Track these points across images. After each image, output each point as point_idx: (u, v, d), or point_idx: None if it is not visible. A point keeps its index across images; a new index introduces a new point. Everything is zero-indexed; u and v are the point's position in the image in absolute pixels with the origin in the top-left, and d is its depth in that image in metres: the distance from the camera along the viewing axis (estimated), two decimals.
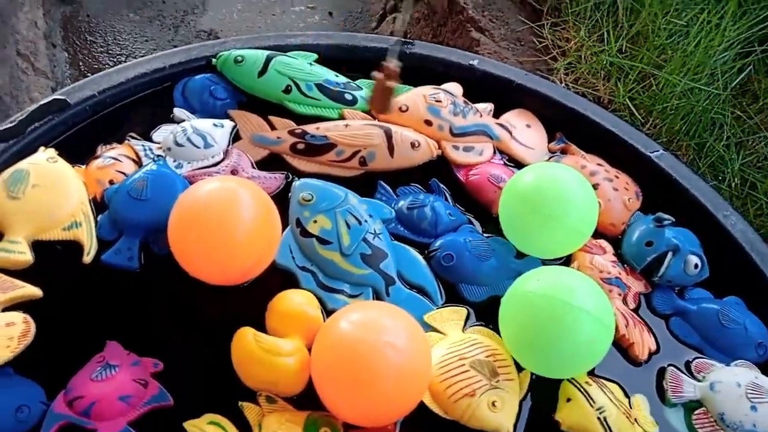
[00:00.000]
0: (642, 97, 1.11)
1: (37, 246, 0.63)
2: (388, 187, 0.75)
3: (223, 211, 0.58)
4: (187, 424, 0.53)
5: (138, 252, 0.64)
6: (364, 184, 0.74)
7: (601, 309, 0.56)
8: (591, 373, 0.61)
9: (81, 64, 1.56)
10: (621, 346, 0.64)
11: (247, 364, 0.56)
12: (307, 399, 0.56)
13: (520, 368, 0.60)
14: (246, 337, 0.56)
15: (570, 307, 0.55)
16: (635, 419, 0.57)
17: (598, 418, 0.56)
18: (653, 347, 0.64)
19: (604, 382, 0.60)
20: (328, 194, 0.69)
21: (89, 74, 1.56)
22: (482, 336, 0.62)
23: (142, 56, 1.62)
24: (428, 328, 0.63)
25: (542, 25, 1.30)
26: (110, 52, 1.62)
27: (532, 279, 0.59)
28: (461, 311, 0.65)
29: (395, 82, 0.67)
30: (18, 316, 0.56)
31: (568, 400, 0.58)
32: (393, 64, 0.67)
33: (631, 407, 0.59)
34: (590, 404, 0.57)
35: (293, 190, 0.70)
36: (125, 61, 1.61)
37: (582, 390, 0.58)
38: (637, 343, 0.63)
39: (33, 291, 0.59)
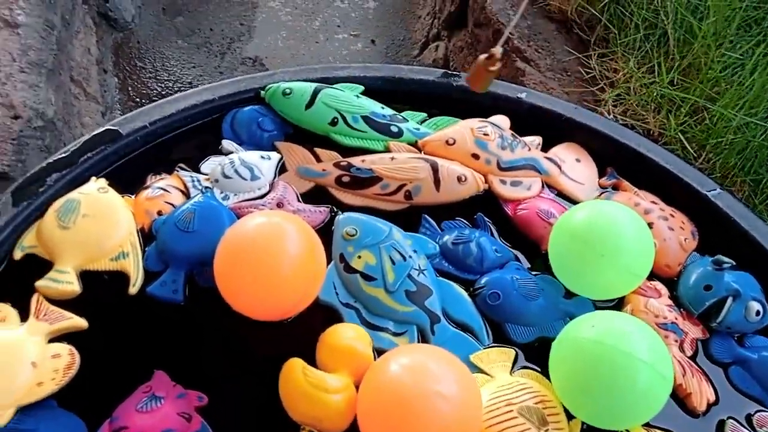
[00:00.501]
0: (694, 131, 1.08)
1: (84, 276, 0.63)
2: (432, 222, 0.73)
3: (268, 247, 0.58)
4: None
5: (183, 285, 0.64)
6: (409, 218, 0.73)
7: (659, 359, 0.54)
8: (646, 424, 0.58)
9: (130, 89, 1.60)
10: (678, 396, 0.61)
11: (293, 397, 0.55)
12: None
13: (570, 416, 0.57)
14: (295, 370, 0.55)
15: (627, 356, 0.53)
16: None
17: None
18: (712, 398, 0.61)
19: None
20: (372, 229, 0.69)
21: (137, 99, 1.61)
22: (531, 380, 0.60)
23: (189, 82, 1.68)
24: (474, 368, 0.61)
25: (589, 55, 1.28)
26: (158, 77, 1.66)
27: (587, 324, 0.57)
28: (509, 352, 0.63)
29: (496, 66, 0.66)
30: (64, 348, 0.57)
31: None
32: (498, 50, 0.65)
33: None
34: None
35: (337, 225, 0.70)
36: (173, 87, 1.67)
37: None
38: (695, 393, 0.61)
39: (79, 322, 0.59)
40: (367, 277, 0.65)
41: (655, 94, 1.14)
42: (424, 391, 0.50)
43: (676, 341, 0.64)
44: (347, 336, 0.59)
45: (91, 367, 0.58)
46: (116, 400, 0.55)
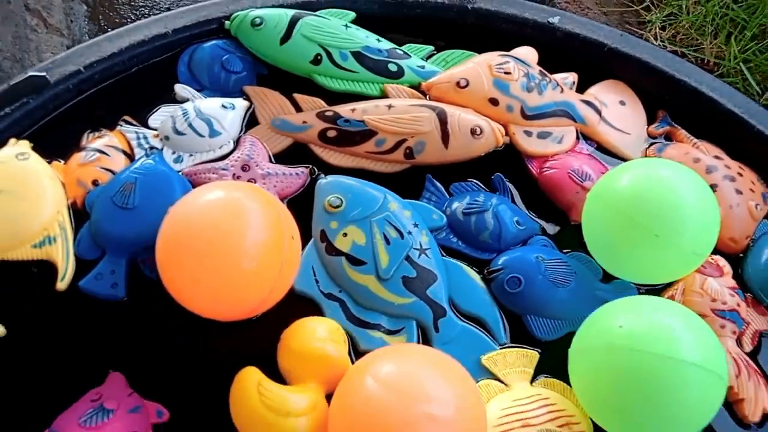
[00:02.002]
0: (759, 59, 0.96)
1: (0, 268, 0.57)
2: (438, 185, 0.66)
3: (224, 231, 0.50)
4: None
5: (125, 277, 0.58)
6: (409, 181, 0.66)
7: (711, 355, 0.48)
8: None
9: (101, 17, 1.50)
10: (728, 399, 0.55)
11: (247, 421, 0.49)
12: None
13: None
14: (249, 386, 0.49)
15: (671, 361, 0.46)
16: None
17: None
18: None
19: None
20: (362, 198, 0.62)
21: (110, 29, 1.50)
22: (555, 393, 0.54)
23: (167, 9, 1.55)
24: (486, 374, 0.55)
25: None
26: (133, 4, 1.57)
27: (612, 323, 0.50)
28: (532, 356, 0.56)
29: None
30: None
31: None
32: None
33: None
34: None
35: (317, 192, 0.63)
36: (149, 14, 1.55)
37: None
38: (749, 399, 0.55)
39: None
40: (354, 261, 0.59)
41: (712, 13, 1.02)
42: (409, 415, 0.44)
43: (734, 333, 0.58)
44: (316, 336, 0.53)
45: (12, 380, 0.53)
46: (41, 418, 0.50)
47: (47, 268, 0.57)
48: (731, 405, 0.56)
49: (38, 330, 0.57)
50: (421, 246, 0.59)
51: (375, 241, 0.59)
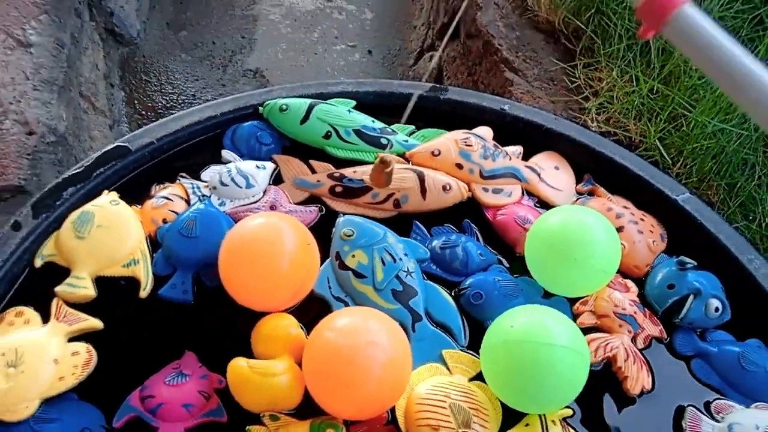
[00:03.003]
0: (673, 137, 1.13)
1: (99, 281, 0.69)
2: (423, 228, 0.78)
3: (267, 244, 0.63)
4: None
5: (191, 285, 0.69)
6: (399, 224, 0.78)
7: (574, 339, 0.59)
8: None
9: (136, 102, 1.66)
10: (617, 378, 0.67)
11: (245, 391, 0.59)
12: (307, 408, 0.60)
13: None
14: (240, 366, 0.59)
15: (547, 346, 0.58)
16: None
17: None
18: (648, 386, 0.66)
19: (571, 428, 0.62)
20: (368, 231, 0.73)
21: (144, 112, 1.67)
22: (479, 390, 0.63)
23: (193, 94, 1.74)
24: (443, 364, 0.66)
25: (575, 65, 1.33)
26: (163, 90, 1.72)
27: (506, 325, 0.62)
28: (477, 363, 0.66)
29: (390, 168, 0.73)
30: (82, 346, 0.62)
31: (527, 425, 0.61)
32: (389, 156, 0.73)
33: None
34: None
35: (336, 226, 0.75)
36: (177, 99, 1.72)
37: (543, 422, 0.61)
38: (631, 378, 0.66)
39: (95, 323, 0.65)
40: (358, 275, 0.70)
41: (635, 102, 1.19)
42: (358, 343, 0.55)
43: (630, 332, 0.69)
44: (278, 324, 0.64)
45: (107, 362, 0.63)
46: (130, 391, 0.61)
47: (132, 282, 0.69)
48: (620, 382, 0.66)
49: (127, 325, 0.67)
50: (408, 269, 0.70)
51: (374, 262, 0.70)
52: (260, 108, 0.87)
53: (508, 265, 0.77)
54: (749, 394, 0.67)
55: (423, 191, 0.80)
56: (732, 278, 0.75)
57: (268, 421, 0.58)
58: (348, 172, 0.82)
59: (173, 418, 0.58)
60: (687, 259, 0.73)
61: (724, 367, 0.68)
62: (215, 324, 0.68)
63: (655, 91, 1.21)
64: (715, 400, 0.66)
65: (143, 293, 0.69)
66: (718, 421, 0.64)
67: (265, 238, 0.63)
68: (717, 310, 0.71)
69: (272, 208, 0.77)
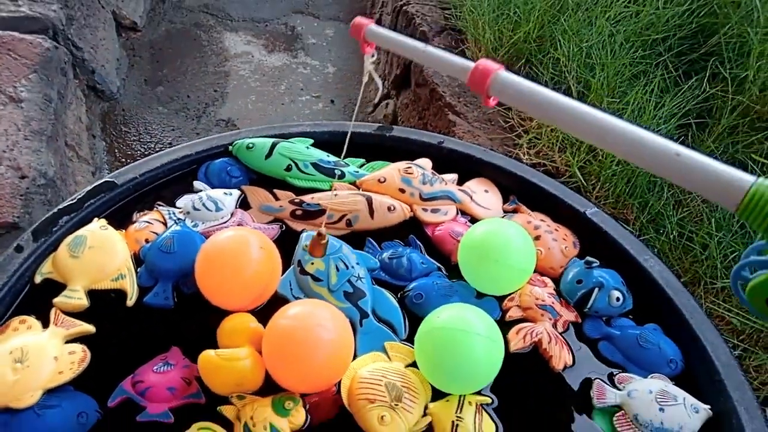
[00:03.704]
0: (592, 166, 1.26)
1: (91, 294, 0.76)
2: (374, 243, 0.87)
3: (235, 252, 0.71)
4: None
5: (172, 293, 0.76)
6: (355, 240, 0.87)
7: (490, 330, 0.67)
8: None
9: (116, 151, 1.75)
10: (543, 357, 0.76)
11: (215, 376, 0.66)
12: (268, 388, 0.67)
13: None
14: (209, 356, 0.66)
15: (465, 333, 0.66)
16: None
17: (452, 421, 0.66)
18: (569, 362, 0.75)
19: (485, 412, 0.69)
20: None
21: (123, 159, 1.76)
22: (413, 374, 0.70)
23: (169, 143, 1.84)
24: (385, 353, 0.73)
25: (509, 108, 1.48)
26: (141, 140, 1.81)
27: (435, 317, 0.70)
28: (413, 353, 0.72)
29: (325, 240, 0.80)
30: (78, 347, 0.70)
31: (447, 401, 0.68)
32: (323, 231, 0.81)
33: None
34: (457, 411, 0.67)
35: (301, 239, 0.83)
36: (155, 148, 1.81)
37: (460, 401, 0.68)
38: (555, 356, 0.75)
39: (88, 328, 0.72)
40: (315, 279, 0.78)
41: (560, 137, 1.32)
42: (308, 326, 0.63)
43: (550, 319, 0.79)
44: (239, 320, 0.71)
45: (99, 360, 0.70)
46: (116, 381, 0.68)
47: (120, 294, 0.76)
48: (546, 360, 0.75)
49: (117, 329, 0.74)
50: (359, 275, 0.79)
51: (330, 269, 0.78)
52: (230, 147, 0.97)
53: (446, 273, 0.86)
54: (646, 367, 0.76)
55: (371, 212, 0.90)
56: (632, 274, 0.85)
57: (236, 401, 0.66)
58: (307, 198, 0.91)
59: (159, 399, 0.66)
60: (592, 259, 0.84)
61: (625, 346, 0.78)
62: (193, 324, 0.76)
63: None
64: (618, 373, 0.76)
65: (130, 302, 0.76)
66: (620, 390, 0.74)
67: (234, 246, 0.72)
68: (618, 300, 0.81)
69: (239, 225, 0.86)
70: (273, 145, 0.96)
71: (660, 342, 0.78)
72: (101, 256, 0.77)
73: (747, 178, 0.38)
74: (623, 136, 0.43)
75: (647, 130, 0.42)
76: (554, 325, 0.79)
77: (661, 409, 0.70)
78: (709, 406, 0.71)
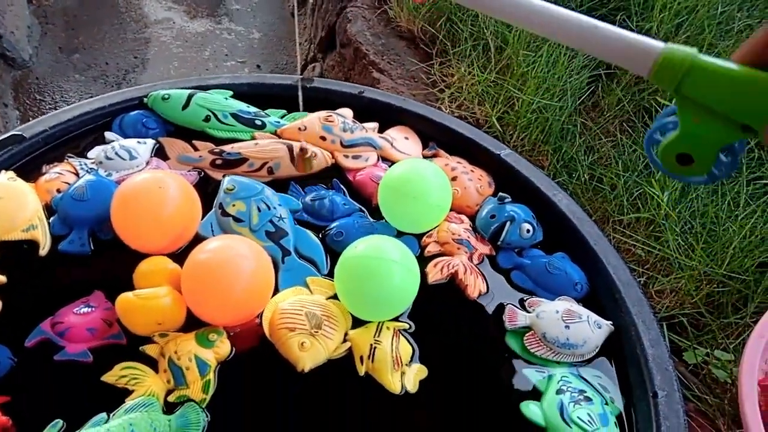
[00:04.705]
0: (509, 116, 1.31)
1: (2, 245, 0.74)
2: (298, 186, 0.89)
3: (153, 193, 0.71)
4: (105, 377, 0.63)
5: (88, 239, 0.76)
6: (280, 187, 0.88)
7: (407, 259, 0.70)
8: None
9: (31, 119, 1.67)
10: (459, 287, 0.79)
11: (135, 316, 0.66)
12: (190, 327, 0.67)
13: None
14: (127, 297, 0.66)
15: (383, 261, 0.68)
16: (401, 370, 0.68)
17: (371, 345, 0.68)
18: (483, 290, 0.79)
19: (404, 338, 0.72)
20: (248, 186, 0.82)
21: None
22: (333, 306, 0.72)
23: None
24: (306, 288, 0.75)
25: (432, 64, 1.50)
26: (58, 108, 1.74)
27: (354, 246, 0.72)
28: (332, 285, 0.75)
29: (309, 153, 0.82)
30: None
31: (366, 327, 0.71)
32: (305, 144, 0.82)
33: (407, 365, 0.69)
34: (375, 335, 0.70)
35: (222, 183, 0.83)
36: None
37: (379, 326, 0.71)
38: (470, 285, 0.78)
39: None
40: (237, 220, 0.79)
41: (479, 90, 1.36)
42: (227, 257, 0.64)
43: (466, 252, 0.82)
44: (155, 261, 0.71)
45: (14, 310, 0.69)
46: (31, 330, 0.67)
47: (32, 245, 0.75)
48: (462, 290, 0.78)
49: (31, 279, 0.73)
50: (280, 216, 0.80)
51: (251, 210, 0.78)
52: (144, 99, 0.95)
53: (367, 214, 0.88)
54: (554, 291, 0.81)
55: (292, 159, 0.90)
56: (542, 209, 0.89)
57: (159, 339, 0.66)
58: (227, 147, 0.90)
59: (78, 339, 0.65)
60: (504, 195, 0.88)
61: (535, 273, 0.82)
62: (112, 270, 0.75)
63: (494, 81, 1.39)
64: (528, 298, 0.81)
65: (43, 252, 0.74)
66: (529, 312, 0.79)
67: (150, 186, 0.71)
68: (528, 231, 0.85)
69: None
70: (190, 96, 0.94)
71: (567, 267, 0.83)
72: (10, 207, 0.75)
73: (657, 44, 0.42)
74: (548, 15, 0.45)
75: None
76: (470, 258, 0.83)
77: (567, 327, 0.75)
78: (611, 322, 0.76)
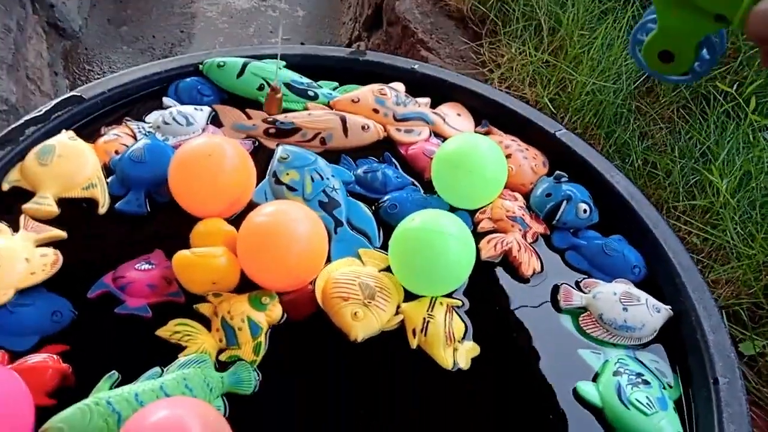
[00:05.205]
0: (561, 98, 1.28)
1: (62, 202, 0.75)
2: (350, 158, 0.88)
3: (210, 159, 0.71)
4: (159, 332, 0.64)
5: (144, 200, 0.77)
6: (331, 158, 0.87)
7: (462, 232, 0.69)
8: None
9: None
10: (513, 265, 0.78)
11: (191, 274, 0.66)
12: (244, 289, 0.68)
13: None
14: (185, 255, 0.67)
15: (439, 234, 0.67)
16: (454, 347, 0.67)
17: (424, 318, 0.68)
18: (538, 268, 0.78)
19: (457, 315, 0.71)
20: (302, 156, 0.82)
21: None
22: (387, 278, 0.71)
23: None
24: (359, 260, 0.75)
25: (481, 44, 1.48)
26: None
27: (411, 219, 0.71)
28: (386, 258, 0.75)
29: (280, 94, 0.82)
30: (50, 250, 0.69)
31: (419, 300, 0.70)
32: (277, 84, 0.82)
33: (459, 342, 0.69)
34: (428, 310, 0.69)
35: (276, 152, 0.83)
36: None
37: (432, 301, 0.70)
38: (524, 263, 0.77)
39: (59, 233, 0.72)
40: (290, 188, 0.78)
41: (530, 71, 1.34)
42: (283, 221, 0.64)
43: (520, 230, 0.81)
44: (212, 223, 0.72)
45: (74, 266, 0.70)
46: (90, 285, 0.68)
47: (90, 203, 0.76)
48: (516, 268, 0.77)
49: (90, 236, 0.75)
50: (333, 186, 0.79)
51: (305, 179, 0.78)
52: (200, 66, 0.95)
53: (420, 188, 0.87)
54: (611, 273, 0.79)
55: (345, 130, 0.90)
56: (598, 189, 0.87)
57: (213, 299, 0.66)
58: (280, 116, 0.90)
59: (138, 294, 0.66)
60: (561, 173, 0.86)
61: (591, 254, 0.80)
62: (168, 231, 0.76)
63: (546, 62, 1.36)
64: (583, 279, 0.79)
65: (102, 210, 0.76)
66: (586, 293, 0.77)
67: (210, 153, 0.71)
68: (585, 212, 0.83)
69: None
70: (245, 65, 0.94)
71: (624, 250, 0.81)
72: (71, 165, 0.76)
73: None
74: None
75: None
76: (524, 236, 0.81)
77: (625, 309, 0.73)
78: (669, 307, 0.74)
